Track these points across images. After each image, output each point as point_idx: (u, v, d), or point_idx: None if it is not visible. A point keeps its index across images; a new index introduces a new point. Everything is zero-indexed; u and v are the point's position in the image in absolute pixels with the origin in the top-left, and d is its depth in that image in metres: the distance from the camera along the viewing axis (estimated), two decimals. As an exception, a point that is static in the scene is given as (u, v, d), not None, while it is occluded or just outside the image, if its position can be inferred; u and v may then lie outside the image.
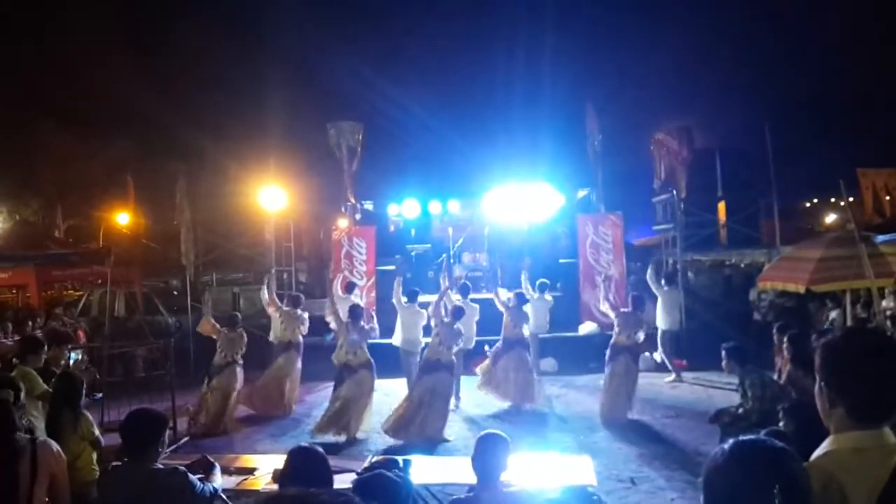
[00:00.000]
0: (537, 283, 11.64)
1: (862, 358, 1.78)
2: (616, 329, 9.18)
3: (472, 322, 10.01)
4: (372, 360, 8.57)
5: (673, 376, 11.49)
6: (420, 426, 8.14)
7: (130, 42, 25.35)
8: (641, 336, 9.20)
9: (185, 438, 8.44)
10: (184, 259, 15.60)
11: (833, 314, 11.11)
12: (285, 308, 10.44)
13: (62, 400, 5.38)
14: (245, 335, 9.66)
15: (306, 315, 10.49)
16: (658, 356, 11.94)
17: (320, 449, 3.27)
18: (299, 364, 10.17)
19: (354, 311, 8.75)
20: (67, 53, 22.90)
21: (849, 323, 8.41)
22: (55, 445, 3.88)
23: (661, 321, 11.78)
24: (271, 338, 10.72)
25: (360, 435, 8.42)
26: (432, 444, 7.97)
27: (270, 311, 10.55)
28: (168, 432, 7.13)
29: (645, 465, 7.09)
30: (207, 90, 24.34)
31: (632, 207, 15.95)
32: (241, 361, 9.43)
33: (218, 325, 9.61)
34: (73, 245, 21.52)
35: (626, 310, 9.39)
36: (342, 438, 8.29)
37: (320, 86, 24.84)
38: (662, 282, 12.12)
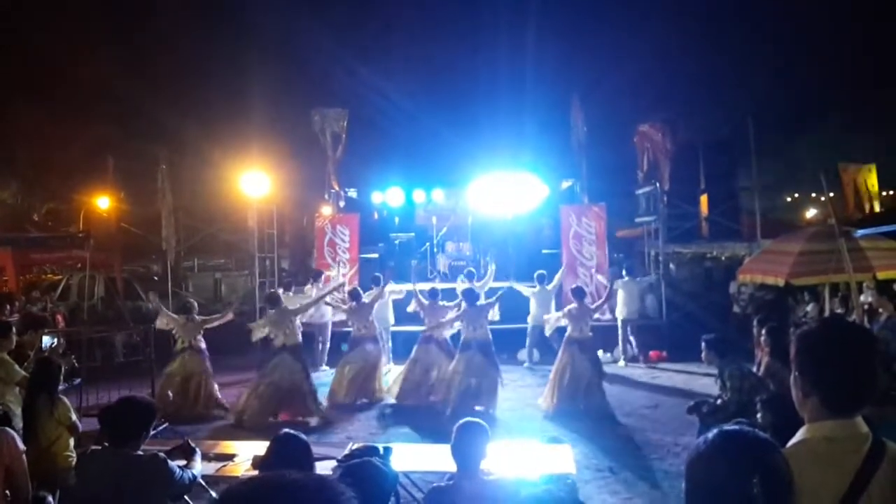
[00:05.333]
0: (535, 274, 12.11)
1: (836, 348, 1.79)
2: (568, 325, 9.20)
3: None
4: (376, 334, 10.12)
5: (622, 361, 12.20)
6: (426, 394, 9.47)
7: (112, 24, 24.95)
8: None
9: (164, 424, 8.38)
10: (165, 244, 15.49)
11: (808, 307, 11.24)
12: (269, 312, 9.38)
13: (39, 385, 5.32)
14: (200, 322, 9.51)
15: (290, 305, 9.44)
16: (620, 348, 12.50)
17: (303, 436, 3.28)
18: (300, 366, 8.83)
19: (354, 293, 10.12)
20: (47, 34, 22.53)
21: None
22: (12, 435, 3.82)
23: (620, 311, 12.32)
24: None
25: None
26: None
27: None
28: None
29: (624, 455, 7.14)
30: (190, 73, 24.04)
31: (615, 199, 15.98)
32: (195, 346, 9.34)
33: (174, 316, 9.54)
34: (52, 228, 21.33)
35: (572, 307, 9.29)
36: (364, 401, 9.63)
37: (305, 72, 24.59)
38: (623, 273, 12.56)
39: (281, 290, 10.84)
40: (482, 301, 9.39)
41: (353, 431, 8.36)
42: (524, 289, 11.94)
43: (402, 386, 9.53)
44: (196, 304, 9.88)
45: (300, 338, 9.16)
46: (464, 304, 9.25)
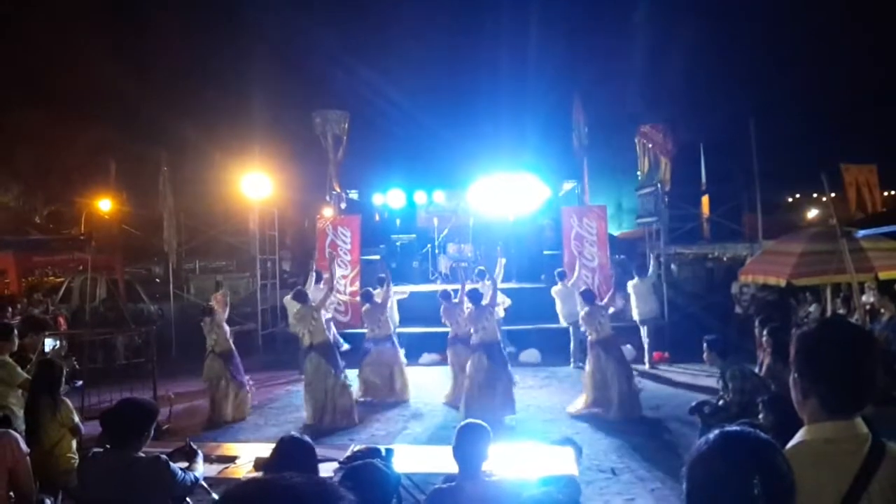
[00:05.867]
0: (556, 272, 12.25)
1: (835, 349, 1.79)
2: (587, 330, 9.16)
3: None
4: (392, 333, 10.22)
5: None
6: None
7: (113, 26, 24.97)
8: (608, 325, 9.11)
9: (167, 426, 8.39)
10: (166, 246, 15.52)
11: (811, 308, 11.24)
12: (296, 308, 9.45)
13: (41, 387, 5.33)
14: (218, 325, 9.21)
15: (318, 307, 9.06)
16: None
17: (308, 439, 3.30)
18: (330, 368, 8.70)
19: (366, 295, 10.32)
20: (49, 36, 22.57)
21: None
22: (15, 437, 3.83)
23: (635, 313, 12.07)
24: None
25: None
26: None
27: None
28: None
29: (626, 456, 7.14)
30: (191, 76, 24.07)
31: (616, 200, 15.99)
32: (216, 350, 9.11)
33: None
34: (53, 231, 21.34)
35: (584, 312, 9.14)
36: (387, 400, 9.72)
37: (306, 74, 24.61)
38: (633, 274, 12.44)
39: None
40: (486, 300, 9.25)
41: (379, 430, 8.44)
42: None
43: (454, 390, 9.56)
44: (214, 308, 9.48)
45: (327, 335, 8.99)
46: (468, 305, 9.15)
